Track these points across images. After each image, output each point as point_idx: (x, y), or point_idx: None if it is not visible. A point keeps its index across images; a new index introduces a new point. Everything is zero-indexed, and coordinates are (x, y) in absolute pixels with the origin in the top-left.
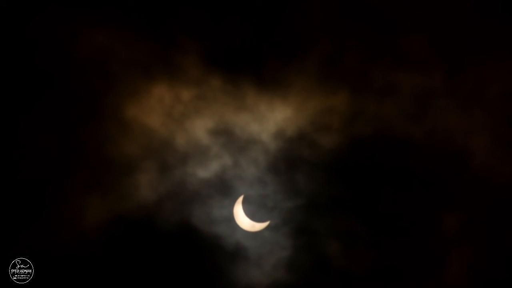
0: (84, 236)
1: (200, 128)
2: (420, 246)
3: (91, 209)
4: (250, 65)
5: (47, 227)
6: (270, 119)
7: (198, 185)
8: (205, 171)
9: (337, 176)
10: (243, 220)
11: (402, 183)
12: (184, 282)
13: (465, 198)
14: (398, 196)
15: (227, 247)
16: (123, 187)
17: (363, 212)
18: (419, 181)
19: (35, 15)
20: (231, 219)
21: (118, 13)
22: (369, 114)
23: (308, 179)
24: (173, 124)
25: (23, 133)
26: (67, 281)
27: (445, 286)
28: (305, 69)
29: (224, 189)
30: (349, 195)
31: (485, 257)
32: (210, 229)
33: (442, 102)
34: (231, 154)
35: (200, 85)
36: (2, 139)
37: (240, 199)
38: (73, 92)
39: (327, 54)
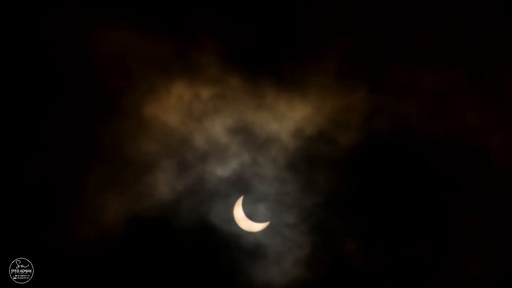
0: (102, 234)
1: (219, 126)
2: (439, 244)
3: (109, 207)
4: (269, 64)
5: (65, 226)
6: (289, 118)
7: (217, 184)
8: (224, 170)
9: (355, 174)
10: (242, 220)
11: (420, 181)
12: (202, 280)
13: (485, 196)
14: (416, 194)
15: (246, 246)
16: (141, 186)
17: (381, 210)
18: (438, 179)
19: (53, 13)
20: (250, 217)
21: (137, 11)
22: (388, 112)
23: (327, 177)
24: (192, 122)
25: (41, 132)
26: (85, 279)
27: (465, 285)
28: (324, 67)
29: (243, 188)
30: (367, 193)
31: (505, 256)
32: (229, 228)
33: (462, 100)
34: (250, 152)
35: (219, 83)
36: (21, 138)
37: (240, 199)
38: (91, 91)
39: (346, 53)
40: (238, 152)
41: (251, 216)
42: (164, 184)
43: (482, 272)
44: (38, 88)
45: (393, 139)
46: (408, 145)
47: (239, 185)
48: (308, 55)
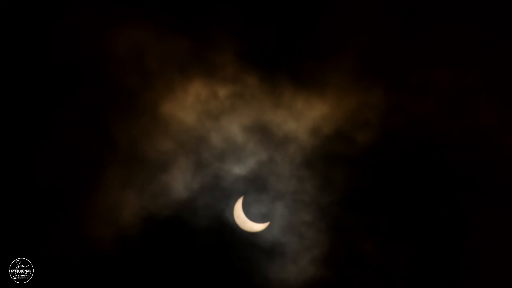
0: (118, 233)
1: (236, 125)
2: (456, 243)
3: (125, 206)
4: (287, 63)
5: (81, 225)
6: (307, 116)
7: (234, 182)
8: (240, 168)
9: (372, 172)
10: (243, 221)
11: (438, 180)
12: (219, 279)
13: (502, 195)
14: (434, 192)
15: (264, 244)
16: (158, 184)
17: (398, 209)
18: (455, 178)
19: (70, 11)
20: (267, 215)
21: (154, 9)
22: (405, 110)
23: (344, 176)
24: (209, 121)
25: (58, 129)
26: (100, 278)
27: (482, 284)
28: (341, 66)
29: (260, 186)
30: (384, 191)
31: None
32: (246, 226)
33: (479, 98)
34: (267, 151)
35: (237, 82)
36: (37, 135)
37: (240, 200)
38: (108, 89)
39: (363, 51)
40: (255, 150)
41: (251, 216)
42: (181, 183)
43: (499, 271)
44: (55, 86)
45: (410, 137)
46: (425, 143)
47: (256, 184)
48: (326, 53)
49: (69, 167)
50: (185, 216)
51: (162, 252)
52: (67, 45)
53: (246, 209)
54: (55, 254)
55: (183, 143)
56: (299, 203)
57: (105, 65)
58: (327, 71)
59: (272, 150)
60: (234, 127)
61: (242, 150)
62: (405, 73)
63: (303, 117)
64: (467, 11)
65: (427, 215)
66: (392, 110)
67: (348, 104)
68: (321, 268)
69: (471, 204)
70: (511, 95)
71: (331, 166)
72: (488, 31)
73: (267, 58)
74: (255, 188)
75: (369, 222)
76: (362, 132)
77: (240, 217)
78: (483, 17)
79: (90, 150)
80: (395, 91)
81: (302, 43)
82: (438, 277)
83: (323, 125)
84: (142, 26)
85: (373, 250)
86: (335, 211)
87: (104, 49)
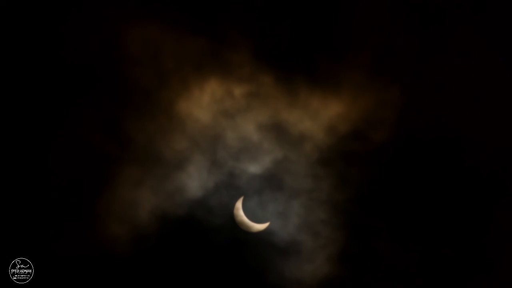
0: (133, 231)
1: (252, 124)
2: (474, 242)
3: (141, 204)
4: (302, 62)
5: (97, 223)
6: (323, 115)
7: (249, 180)
8: (256, 167)
9: (389, 170)
10: (243, 221)
11: (455, 179)
12: (234, 278)
13: None
14: (451, 191)
15: (279, 243)
16: (173, 183)
17: (415, 207)
18: (473, 177)
19: (86, 9)
20: (283, 213)
21: (170, 9)
22: (422, 109)
23: (360, 174)
24: (224, 119)
25: (74, 129)
26: (115, 276)
27: (501, 284)
28: (357, 65)
29: (276, 184)
30: (401, 190)
31: None
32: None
33: (497, 97)
34: (283, 149)
35: (252, 81)
36: (53, 134)
37: (240, 200)
38: (124, 88)
39: (379, 50)
40: (270, 149)
41: (251, 216)
42: (196, 181)
43: None
44: (71, 86)
45: (427, 136)
46: (442, 142)
47: (272, 182)
48: (341, 52)
49: (84, 166)
50: (200, 214)
51: (177, 251)
52: (83, 45)
53: (246, 210)
54: (69, 253)
55: (199, 142)
56: (315, 201)
57: (122, 64)
58: (342, 70)
59: (288, 148)
60: (249, 126)
61: (257, 148)
62: (421, 72)
63: (319, 116)
64: (484, 10)
65: (443, 214)
66: (408, 109)
67: (364, 102)
68: (337, 266)
69: (490, 203)
70: None
71: (346, 164)
72: (506, 30)
73: (282, 58)
74: (270, 186)
75: (385, 220)
76: (377, 131)
77: (240, 217)
78: (501, 16)
79: (106, 149)
80: (410, 90)
81: (318, 43)
82: (454, 276)
83: (338, 124)
84: (158, 26)
85: (388, 249)
86: (350, 209)
87: (120, 48)
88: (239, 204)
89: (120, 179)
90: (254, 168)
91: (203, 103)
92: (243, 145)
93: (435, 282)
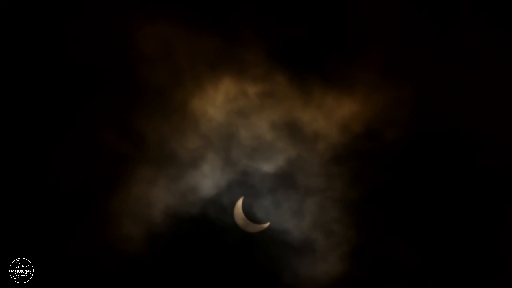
0: (146, 230)
1: (265, 122)
2: (487, 243)
3: (154, 203)
4: (316, 61)
5: (109, 222)
6: (337, 114)
7: (263, 179)
8: (269, 165)
9: (402, 169)
10: (243, 221)
11: (468, 177)
12: (248, 277)
13: None
14: (464, 190)
15: (293, 242)
16: (187, 182)
17: (428, 206)
18: (486, 176)
19: (99, 8)
20: (298, 212)
21: (184, 7)
22: (435, 108)
23: (374, 172)
24: (238, 118)
25: (87, 127)
26: (128, 275)
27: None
28: (370, 64)
29: (289, 183)
30: (414, 189)
31: None
32: (275, 223)
33: (510, 96)
34: (296, 148)
35: (266, 80)
36: (66, 132)
37: (240, 200)
38: (137, 86)
39: (393, 49)
40: (284, 148)
41: (251, 217)
42: (210, 180)
43: None
44: (84, 85)
45: (440, 134)
46: (456, 140)
47: (285, 181)
48: (355, 51)
49: (97, 165)
50: (213, 213)
51: (190, 250)
52: (96, 44)
53: (246, 210)
54: (82, 253)
55: (212, 141)
56: (328, 200)
57: (135, 63)
58: (356, 69)
59: (301, 147)
60: (263, 125)
61: (271, 147)
62: (434, 70)
63: (333, 115)
64: (500, 8)
65: (457, 213)
66: (421, 107)
67: (377, 101)
68: (350, 264)
69: (504, 202)
70: None
71: (360, 163)
72: None
73: (296, 57)
74: (284, 185)
75: (399, 219)
76: (391, 129)
77: (240, 218)
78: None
79: (119, 149)
80: (424, 88)
81: (331, 42)
82: (467, 277)
83: (352, 123)
84: (171, 25)
85: (401, 248)
86: (364, 208)
87: (133, 47)
88: (239, 204)
89: (133, 178)
90: (267, 167)
91: (217, 102)
92: (256, 144)
93: (448, 283)
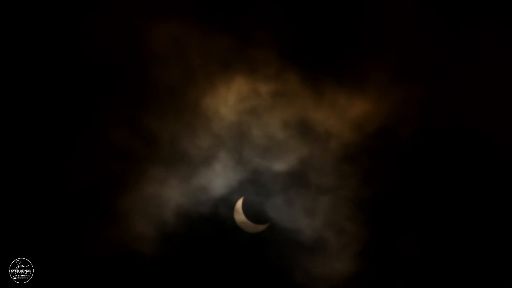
0: (157, 229)
1: (277, 121)
2: (501, 242)
3: (166, 203)
4: (328, 60)
5: (121, 221)
6: (349, 113)
7: (274, 178)
8: (281, 165)
9: (415, 168)
10: (243, 221)
11: (483, 176)
12: (259, 276)
13: None
14: (478, 189)
15: (306, 241)
16: (199, 180)
17: (441, 205)
18: (500, 175)
19: (110, 7)
20: (310, 211)
21: (195, 6)
22: (449, 106)
23: (386, 171)
24: (250, 117)
25: (99, 126)
26: (139, 275)
27: None
28: (383, 62)
29: (301, 182)
30: (426, 188)
31: None
32: (286, 222)
33: None
34: (308, 147)
35: (279, 79)
36: (79, 130)
37: (240, 201)
38: (149, 85)
39: (405, 48)
40: (296, 147)
41: (251, 217)
42: (221, 179)
43: None
44: (96, 84)
45: (454, 134)
46: (470, 139)
47: (297, 180)
48: (367, 50)
49: (109, 164)
50: (224, 212)
51: (201, 249)
52: (109, 43)
53: (246, 210)
54: (92, 253)
55: (224, 140)
56: (341, 198)
57: (147, 62)
58: (368, 68)
59: (313, 146)
60: (275, 124)
61: (283, 146)
62: (447, 70)
63: (345, 114)
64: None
65: (470, 212)
66: (434, 106)
67: (390, 100)
68: (362, 263)
69: None
70: None
71: (372, 161)
72: None
73: (309, 56)
74: (296, 184)
75: (411, 217)
76: (403, 128)
77: (240, 218)
78: None
79: (131, 147)
80: (437, 87)
81: (343, 41)
82: (482, 278)
83: (364, 121)
84: (184, 24)
85: (414, 246)
86: (376, 207)
87: (145, 46)
88: (239, 204)
89: (145, 177)
90: (279, 165)
91: (229, 101)
92: (268, 143)
93: (461, 282)
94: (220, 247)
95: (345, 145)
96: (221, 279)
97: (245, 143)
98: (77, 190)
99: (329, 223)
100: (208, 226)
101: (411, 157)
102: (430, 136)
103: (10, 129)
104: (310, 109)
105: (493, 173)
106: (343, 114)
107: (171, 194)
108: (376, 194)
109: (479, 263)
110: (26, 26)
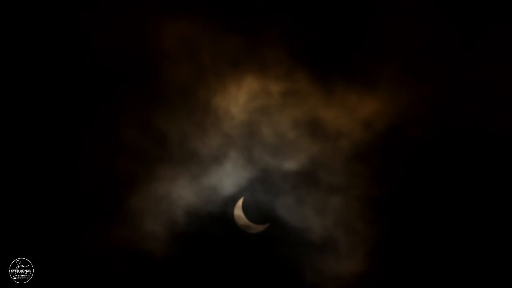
0: (166, 228)
1: (288, 120)
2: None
3: (175, 201)
4: (338, 59)
5: (131, 220)
6: (359, 112)
7: (285, 177)
8: (292, 163)
9: (425, 168)
10: (243, 222)
11: (494, 175)
12: (270, 276)
13: None
14: (490, 188)
15: (316, 240)
16: (209, 179)
17: (451, 205)
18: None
19: (122, 7)
20: (320, 210)
21: (205, 5)
22: (460, 105)
23: (396, 170)
24: (261, 116)
25: (109, 126)
26: (148, 275)
27: None
28: (393, 61)
29: (312, 181)
30: (437, 187)
31: None
32: (297, 222)
33: None
34: (319, 146)
35: (289, 78)
36: (89, 129)
37: (240, 201)
38: (160, 84)
39: (416, 47)
40: (306, 146)
41: (251, 217)
42: (231, 178)
43: None
44: (106, 83)
45: (463, 133)
46: (481, 138)
47: (307, 179)
48: (378, 49)
49: (119, 163)
50: (234, 212)
51: (211, 248)
52: (119, 42)
53: (246, 210)
54: (101, 252)
55: (235, 139)
56: (351, 197)
57: (158, 61)
58: (379, 67)
59: (324, 145)
60: (285, 123)
61: (293, 145)
62: (458, 68)
63: (355, 113)
64: None
65: (482, 211)
66: (445, 106)
67: (401, 99)
68: (373, 262)
69: None
70: None
71: (383, 160)
72: None
73: (319, 55)
74: (306, 183)
75: (422, 217)
76: (414, 127)
77: (240, 218)
78: None
79: (142, 147)
80: (447, 87)
81: (354, 40)
82: (488, 276)
83: (375, 120)
84: (195, 23)
85: (425, 245)
86: (387, 206)
87: (157, 45)
88: (239, 205)
89: (155, 176)
90: (289, 164)
91: (240, 100)
92: (279, 142)
93: (473, 282)
94: (230, 246)
95: (356, 144)
96: (231, 278)
97: (255, 142)
98: (87, 189)
99: (340, 222)
100: (217, 225)
101: (421, 156)
102: (440, 135)
103: (20, 128)
104: (321, 108)
105: (504, 172)
106: (353, 113)
107: (181, 193)
108: (386, 192)
109: (491, 263)
110: (38, 25)
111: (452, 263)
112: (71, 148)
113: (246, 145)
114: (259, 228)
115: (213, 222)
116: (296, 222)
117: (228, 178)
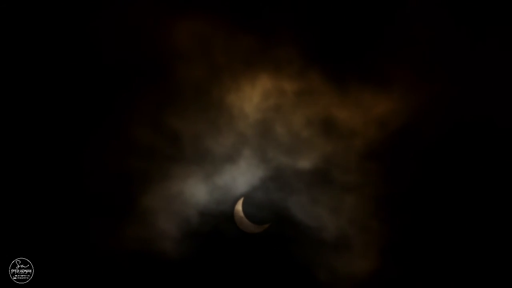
0: (178, 227)
1: (301, 119)
2: None
3: (187, 199)
4: (352, 58)
5: (144, 220)
6: (373, 111)
7: (299, 176)
8: (305, 162)
9: (439, 166)
10: (243, 222)
11: (507, 176)
12: (283, 275)
13: None
14: (504, 188)
15: (330, 239)
16: (221, 178)
17: (465, 204)
18: None
19: (136, 5)
20: (334, 209)
21: (219, 4)
22: (473, 105)
23: (410, 169)
24: (274, 115)
25: (122, 124)
26: (159, 273)
27: None
28: (408, 60)
29: (325, 180)
30: (451, 186)
31: None
32: (310, 221)
33: None
34: (332, 145)
35: (303, 77)
36: (102, 127)
37: (241, 201)
38: (173, 83)
39: (430, 45)
40: (320, 145)
41: (251, 217)
42: (244, 177)
43: None
44: (121, 80)
45: (478, 132)
46: (496, 137)
47: (321, 178)
48: (392, 49)
49: (132, 162)
50: (247, 210)
51: (224, 247)
52: (133, 40)
53: (246, 210)
54: (113, 251)
55: (248, 138)
56: (365, 196)
57: (172, 60)
58: (393, 66)
59: (337, 144)
60: (299, 122)
61: (307, 144)
62: (471, 67)
63: (369, 112)
64: None
65: (496, 211)
66: (458, 104)
67: (414, 98)
68: (387, 261)
69: None
70: None
71: (397, 159)
72: None
73: (332, 54)
74: (319, 182)
75: (436, 215)
76: (428, 126)
77: (240, 218)
78: None
79: (154, 145)
80: (461, 86)
81: (367, 39)
82: (497, 276)
83: (389, 119)
84: (208, 22)
85: (439, 244)
86: (401, 204)
87: (170, 44)
88: (239, 205)
89: (168, 175)
90: (303, 163)
91: (253, 99)
92: (292, 141)
93: (487, 282)
94: (242, 245)
95: (369, 143)
96: (244, 278)
97: (269, 141)
98: (99, 188)
99: (353, 220)
100: (230, 224)
101: (435, 155)
102: (454, 134)
103: (34, 127)
104: (334, 107)
105: None
106: (367, 112)
107: (194, 192)
108: (400, 191)
109: (505, 262)
110: (51, 23)
111: (466, 261)
112: (84, 147)
113: (260, 144)
114: (258, 228)
115: (226, 221)
116: (310, 221)
117: (242, 177)
